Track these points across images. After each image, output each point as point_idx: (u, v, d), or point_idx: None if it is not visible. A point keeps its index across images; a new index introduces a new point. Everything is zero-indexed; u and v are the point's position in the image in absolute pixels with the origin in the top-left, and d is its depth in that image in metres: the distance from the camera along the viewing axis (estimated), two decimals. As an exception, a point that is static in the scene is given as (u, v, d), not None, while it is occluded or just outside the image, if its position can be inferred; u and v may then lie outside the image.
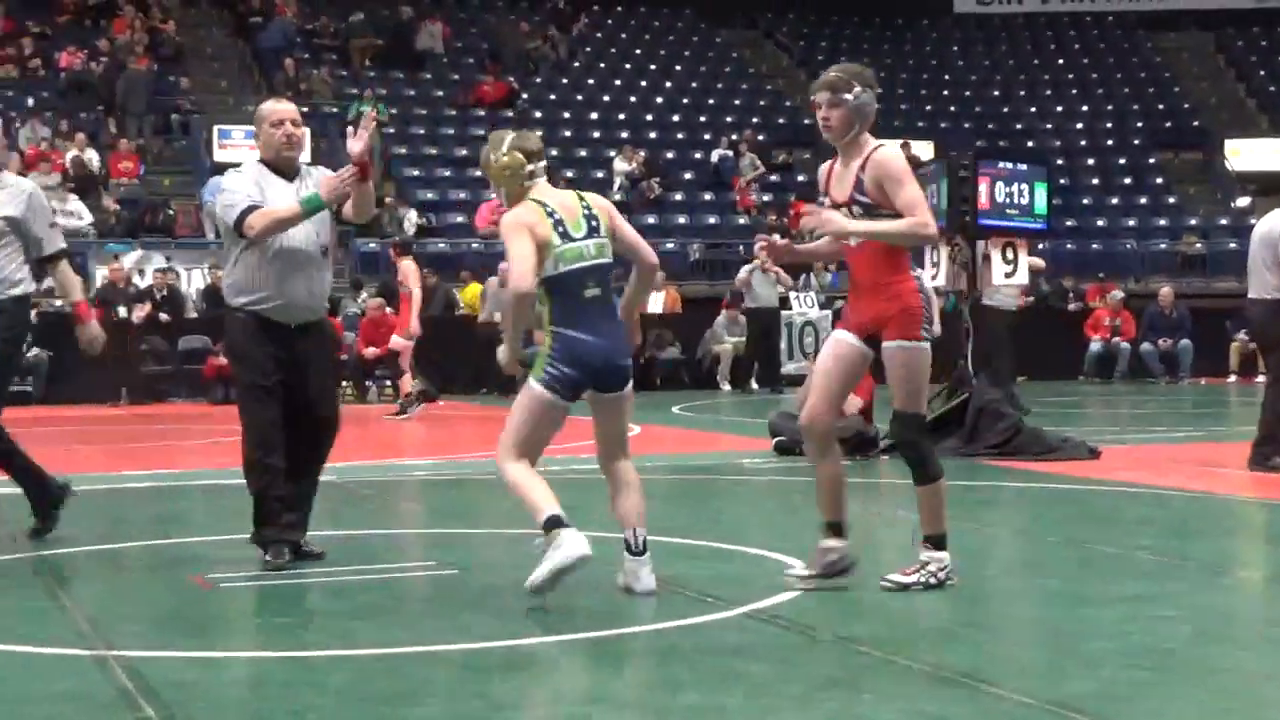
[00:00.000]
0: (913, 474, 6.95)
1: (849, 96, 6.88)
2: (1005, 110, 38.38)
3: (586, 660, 5.68)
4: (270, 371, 7.60)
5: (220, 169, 28.30)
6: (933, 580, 6.84)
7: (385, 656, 5.64)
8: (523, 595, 6.69)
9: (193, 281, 25.82)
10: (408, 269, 19.87)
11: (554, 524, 6.50)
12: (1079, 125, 37.99)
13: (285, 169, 7.70)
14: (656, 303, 26.65)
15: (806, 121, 36.08)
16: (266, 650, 5.96)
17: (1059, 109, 38.66)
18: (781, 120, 36.22)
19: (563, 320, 6.75)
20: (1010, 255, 13.75)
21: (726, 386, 24.74)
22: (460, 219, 29.66)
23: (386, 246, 26.62)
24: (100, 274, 23.75)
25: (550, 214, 6.77)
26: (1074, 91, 39.29)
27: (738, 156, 32.98)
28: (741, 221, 31.46)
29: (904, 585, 6.83)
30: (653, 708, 4.88)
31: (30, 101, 31.20)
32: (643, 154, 32.36)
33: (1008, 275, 13.87)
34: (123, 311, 22.55)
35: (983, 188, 13.58)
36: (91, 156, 28.67)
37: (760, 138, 34.39)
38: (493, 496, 10.02)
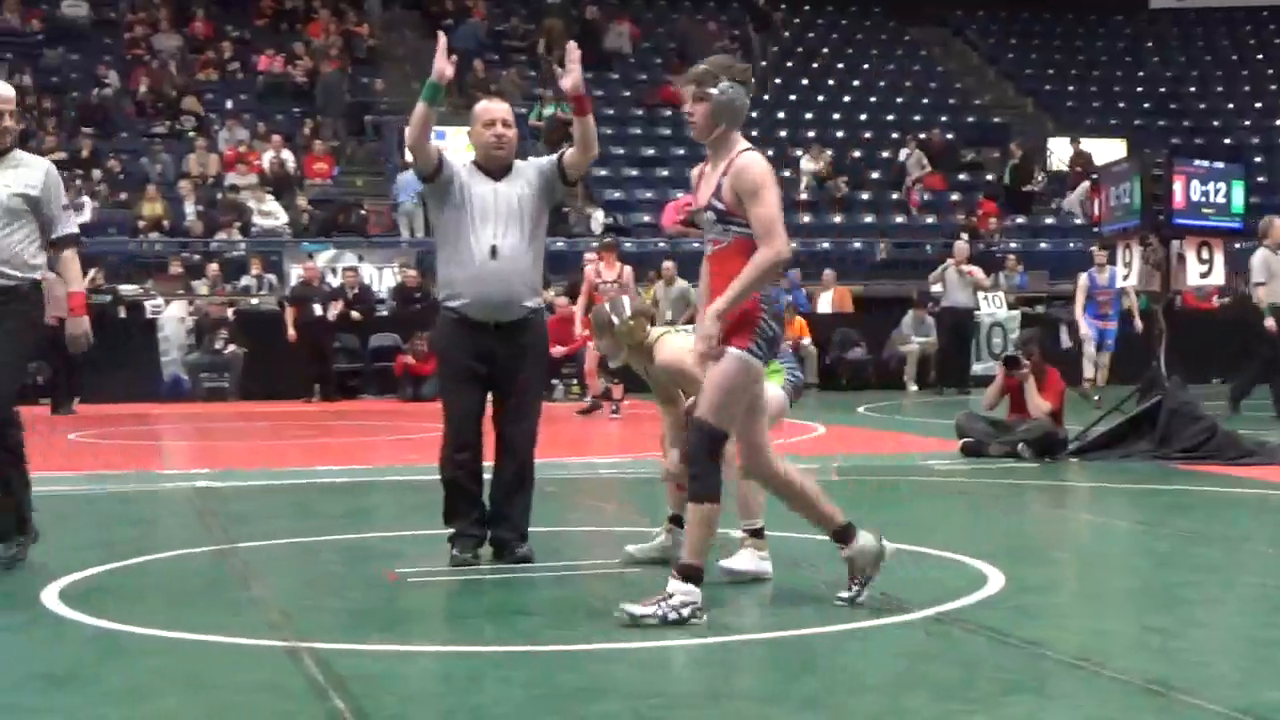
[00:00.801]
0: (688, 486, 6.26)
1: (714, 91, 6.37)
2: (1201, 107, 37.58)
3: (767, 660, 5.66)
4: (470, 366, 7.61)
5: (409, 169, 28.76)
6: (673, 615, 6.01)
7: (568, 653, 5.67)
8: (705, 595, 6.72)
9: (384, 280, 26.21)
10: (629, 273, 19.43)
11: (762, 535, 7.10)
12: (1278, 122, 37.05)
13: (494, 169, 7.68)
14: (825, 302, 26.49)
15: (996, 120, 35.72)
16: (452, 644, 6.02)
17: (1257, 105, 37.75)
18: (970, 119, 35.82)
19: None
20: (1205, 255, 13.48)
21: (913, 387, 24.53)
22: (647, 218, 29.75)
23: (573, 245, 26.83)
24: (295, 273, 24.22)
25: None
26: (1273, 87, 38.35)
27: (905, 155, 32.66)
28: (929, 220, 31.16)
29: (636, 617, 6.02)
30: (833, 708, 4.85)
31: (229, 104, 31.93)
32: (830, 153, 32.20)
33: (1203, 275, 13.59)
34: (317, 309, 22.97)
35: (1177, 186, 13.33)
36: (287, 158, 29.26)
37: (949, 136, 34.03)
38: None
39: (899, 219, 31.32)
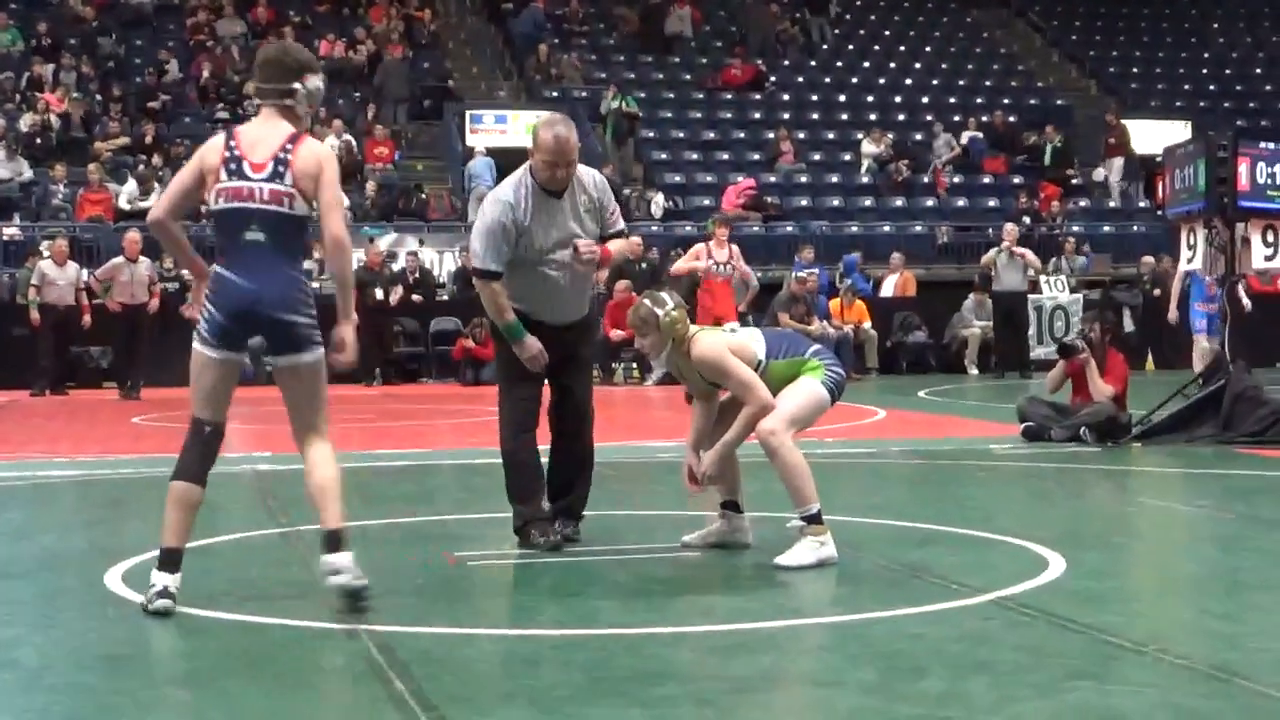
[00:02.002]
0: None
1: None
2: (1267, 88, 37.19)
3: (828, 644, 5.65)
4: (537, 372, 7.76)
5: (470, 155, 28.84)
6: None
7: (627, 636, 5.68)
8: (765, 578, 6.72)
9: (444, 264, 26.28)
10: (735, 251, 18.67)
11: (819, 520, 7.00)
12: (1346, 103, 36.69)
13: (554, 189, 7.68)
14: (889, 286, 26.38)
15: (1060, 102, 35.47)
16: (512, 628, 6.05)
17: (1325, 86, 37.40)
18: (1033, 101, 35.59)
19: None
20: (1271, 238, 13.36)
21: (974, 371, 24.43)
22: (707, 201, 29.69)
23: (631, 230, 26.78)
24: (357, 257, 24.32)
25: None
26: (1340, 68, 37.98)
27: (932, 137, 32.45)
28: (991, 204, 30.99)
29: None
30: (894, 693, 4.83)
31: (292, 87, 32.00)
32: (891, 136, 32.07)
33: (1267, 258, 13.48)
34: (379, 294, 23.05)
35: (1242, 168, 13.21)
36: (349, 142, 29.35)
37: (1011, 119, 33.85)
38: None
39: (960, 202, 31.13)
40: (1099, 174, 32.48)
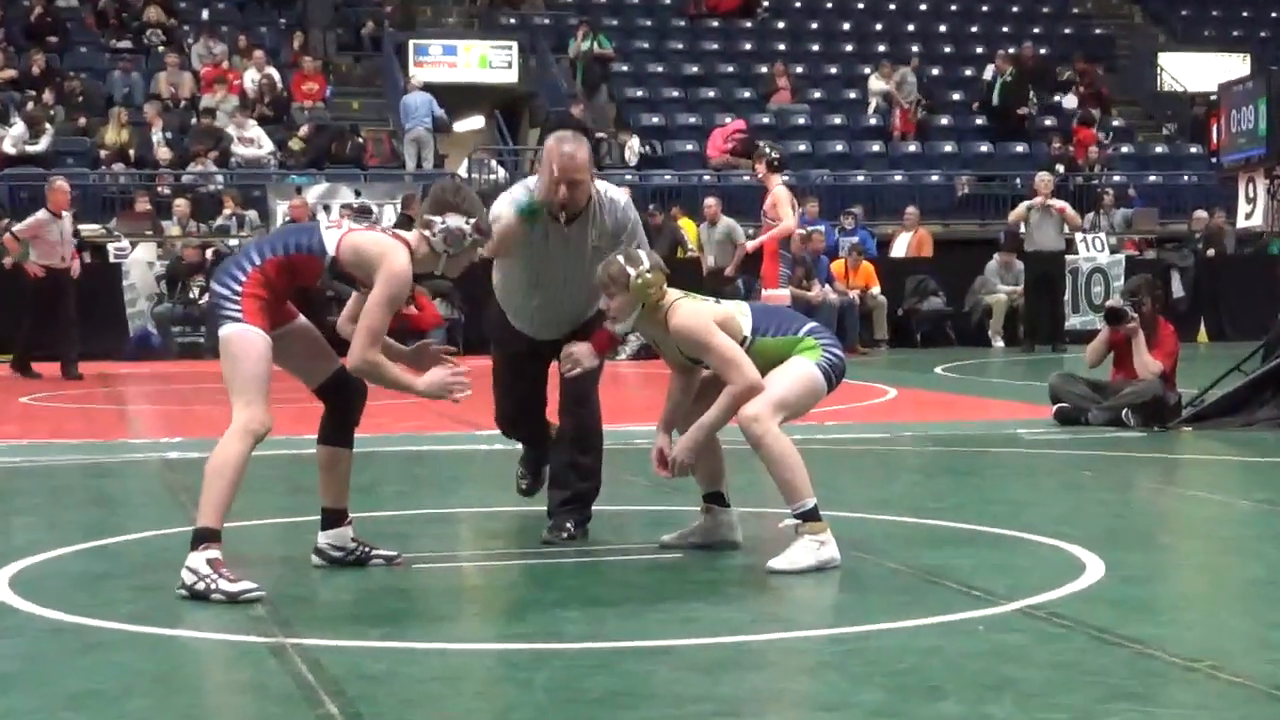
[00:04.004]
0: None
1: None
2: (1339, 16, 37.35)
3: (829, 660, 5.66)
4: (525, 355, 8.03)
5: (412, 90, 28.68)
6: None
7: (597, 651, 5.68)
8: (756, 584, 6.73)
9: (385, 219, 26.25)
10: (779, 196, 17.15)
11: (817, 516, 7.02)
12: None
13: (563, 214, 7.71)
14: (901, 245, 26.38)
15: (1098, 31, 35.52)
16: (463, 641, 6.05)
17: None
18: (1067, 30, 35.65)
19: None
20: (1341, 190, 13.41)
21: (999, 343, 24.49)
22: (690, 147, 29.71)
23: (604, 179, 26.76)
24: (280, 210, 24.26)
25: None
26: None
27: (951, 71, 32.34)
28: (1019, 149, 31.03)
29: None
30: (905, 717, 4.85)
31: (205, 14, 31.94)
32: (903, 71, 32.06)
33: (1338, 211, 13.53)
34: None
35: (1310, 108, 13.25)
36: (272, 76, 29.26)
37: (1042, 51, 33.88)
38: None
39: (983, 147, 31.14)
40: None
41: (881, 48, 33.49)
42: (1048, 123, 31.94)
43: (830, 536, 7.05)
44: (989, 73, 32.28)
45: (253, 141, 27.61)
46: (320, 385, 7.28)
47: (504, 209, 7.67)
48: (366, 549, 7.25)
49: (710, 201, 21.46)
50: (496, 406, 8.26)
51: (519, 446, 8.55)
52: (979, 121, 31.91)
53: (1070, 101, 32.45)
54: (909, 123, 31.13)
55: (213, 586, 6.41)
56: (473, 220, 6.87)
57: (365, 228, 7.43)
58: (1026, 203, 23.48)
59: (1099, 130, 31.38)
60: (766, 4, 34.88)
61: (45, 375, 19.29)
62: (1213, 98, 19.03)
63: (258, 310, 6.73)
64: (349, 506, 7.26)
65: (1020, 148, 31.12)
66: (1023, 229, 23.58)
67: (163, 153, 27.23)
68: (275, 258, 6.78)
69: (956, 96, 32.87)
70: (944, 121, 31.83)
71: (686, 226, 25.00)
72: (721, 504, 7.59)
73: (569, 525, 7.83)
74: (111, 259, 23.72)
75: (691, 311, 7.22)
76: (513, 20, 32.64)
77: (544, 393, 8.17)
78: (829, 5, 35.54)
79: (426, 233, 6.87)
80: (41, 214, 19.63)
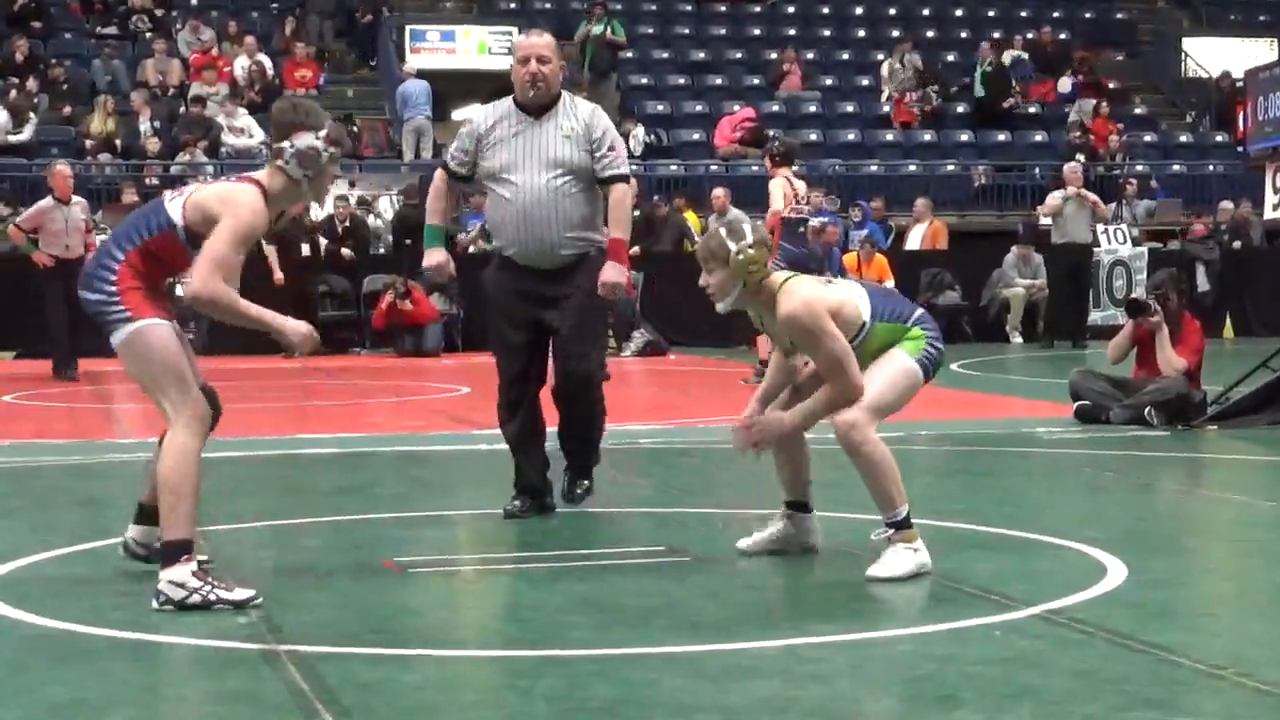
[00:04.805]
0: None
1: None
2: (1370, 0, 37.30)
3: (842, 667, 5.65)
4: (520, 321, 8.41)
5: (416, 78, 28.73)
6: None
7: (601, 658, 5.68)
8: (765, 589, 6.73)
9: (381, 210, 26.22)
10: (772, 187, 16.68)
11: (909, 524, 7.05)
12: None
13: (532, 108, 8.37)
14: (915, 237, 26.33)
15: (1120, 16, 35.48)
16: (461, 648, 6.04)
17: None
18: (1088, 14, 35.61)
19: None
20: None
21: (1018, 339, 24.47)
22: (696, 136, 29.68)
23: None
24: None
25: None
26: None
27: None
28: (1037, 139, 30.99)
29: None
30: (922, 727, 4.86)
31: (193, 0, 31.94)
32: (918, 56, 32.02)
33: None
34: (305, 249, 22.96)
35: (1340, 96, 13.24)
36: (264, 63, 29.24)
37: (1061, 36, 33.85)
38: (732, 470, 10.04)
39: (1001, 136, 31.08)
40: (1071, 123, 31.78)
41: (895, 33, 33.42)
42: (1068, 111, 31.77)
43: (922, 544, 7.03)
44: (1007, 57, 32.14)
45: (243, 131, 27.59)
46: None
47: (472, 112, 8.21)
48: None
49: (718, 192, 21.40)
50: (500, 394, 8.55)
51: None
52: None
53: (1064, 85, 32.31)
54: (906, 112, 31.10)
55: (211, 598, 6.38)
56: (322, 133, 6.75)
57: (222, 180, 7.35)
58: (1060, 192, 23.28)
59: (1110, 119, 31.27)
60: (776, -12, 34.85)
61: (37, 374, 19.23)
62: (1240, 84, 19.04)
63: (142, 300, 6.61)
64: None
65: (1039, 136, 31.06)
66: (1053, 220, 23.34)
67: (150, 143, 27.22)
68: (133, 248, 6.63)
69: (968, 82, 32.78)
70: (960, 109, 31.75)
71: (690, 218, 24.99)
72: (804, 510, 7.53)
73: (584, 481, 8.56)
74: (96, 252, 23.63)
75: (804, 300, 6.97)
76: (513, 5, 32.62)
77: (542, 368, 8.50)
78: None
79: (279, 162, 6.74)
80: (45, 201, 19.33)
